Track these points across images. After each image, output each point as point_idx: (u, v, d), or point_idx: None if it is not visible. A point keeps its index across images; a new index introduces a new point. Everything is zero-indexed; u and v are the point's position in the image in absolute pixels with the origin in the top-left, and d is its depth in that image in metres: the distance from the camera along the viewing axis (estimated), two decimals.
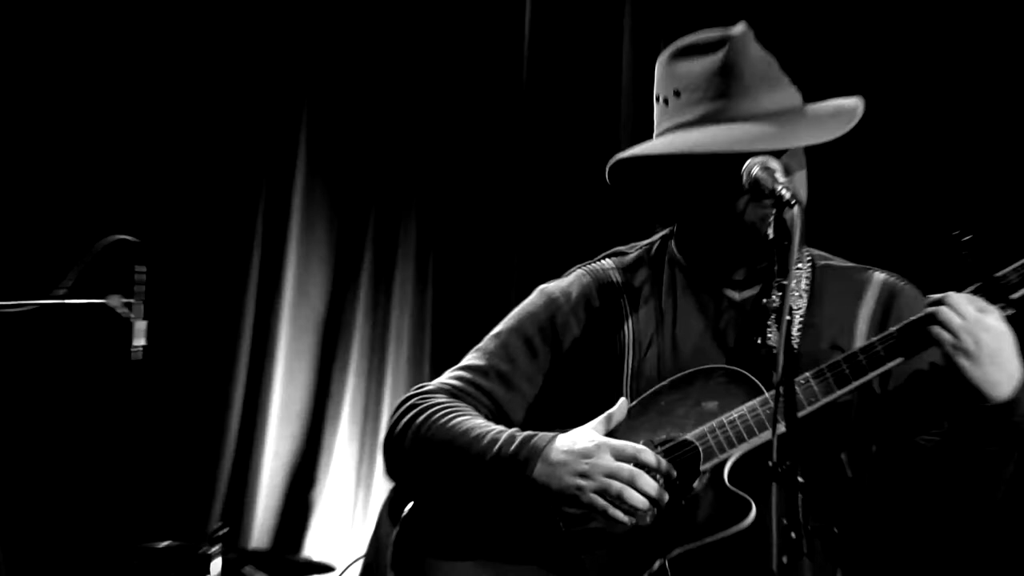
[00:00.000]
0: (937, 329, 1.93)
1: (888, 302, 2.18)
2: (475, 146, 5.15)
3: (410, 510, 2.20)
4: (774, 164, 1.99)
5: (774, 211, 1.96)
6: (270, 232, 5.27)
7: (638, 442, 2.07)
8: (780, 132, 2.08)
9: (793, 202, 1.89)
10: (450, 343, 5.00)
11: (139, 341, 3.78)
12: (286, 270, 5.24)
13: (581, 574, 2.06)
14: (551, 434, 2.08)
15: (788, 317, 1.80)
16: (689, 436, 2.06)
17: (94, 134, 5.26)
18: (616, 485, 2.00)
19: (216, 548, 3.91)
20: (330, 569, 4.23)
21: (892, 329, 2.01)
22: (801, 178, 2.12)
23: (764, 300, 2.13)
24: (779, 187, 1.93)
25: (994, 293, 1.96)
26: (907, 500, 2.13)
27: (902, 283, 2.22)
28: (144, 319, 3.80)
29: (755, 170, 1.98)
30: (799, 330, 2.13)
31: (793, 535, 1.70)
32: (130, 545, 4.12)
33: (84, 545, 4.88)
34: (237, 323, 5.20)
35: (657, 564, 2.01)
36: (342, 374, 5.25)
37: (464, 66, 5.17)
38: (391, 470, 2.26)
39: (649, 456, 2.02)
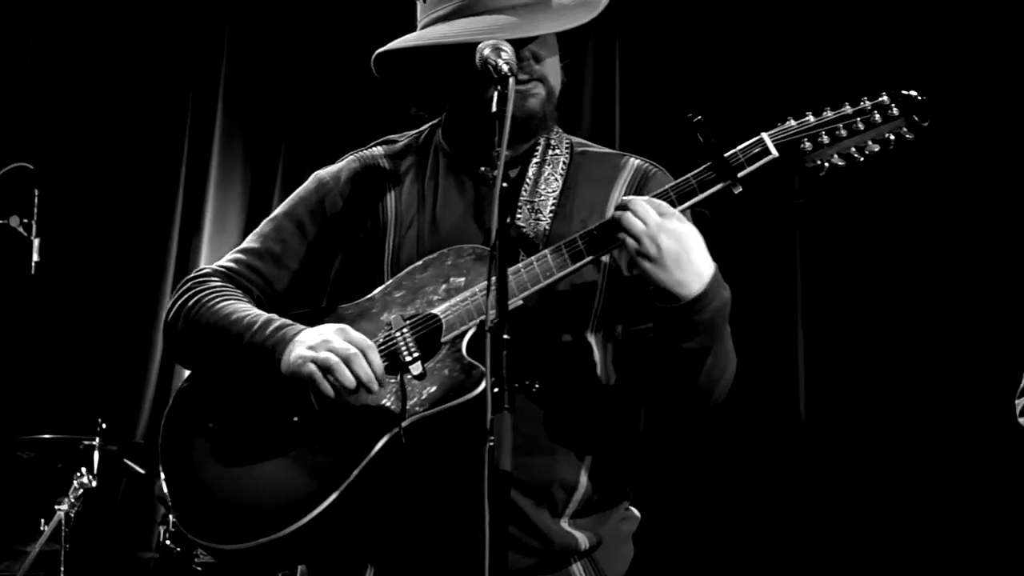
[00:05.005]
0: (622, 235, 1.95)
1: (640, 186, 2.18)
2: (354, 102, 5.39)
3: (179, 391, 2.22)
4: (504, 46, 2.01)
5: (498, 87, 1.94)
6: (192, 174, 5.57)
7: (391, 317, 2.10)
8: (521, 23, 2.11)
9: (509, 75, 1.92)
10: None
11: (35, 257, 4.11)
12: (206, 209, 5.55)
13: (331, 445, 2.05)
14: (303, 326, 2.08)
15: (504, 184, 1.80)
16: (436, 311, 2.07)
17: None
18: (333, 359, 1.98)
19: (96, 441, 4.06)
20: None
21: (591, 227, 2.03)
22: (552, 65, 2.15)
23: (482, 169, 2.15)
24: (500, 63, 1.95)
25: (722, 172, 1.97)
26: (636, 384, 2.15)
27: (655, 168, 2.23)
28: (38, 237, 4.10)
29: (485, 51, 2.00)
30: (552, 212, 2.14)
31: (496, 390, 1.72)
32: (22, 438, 4.23)
33: None
34: (163, 256, 5.51)
35: (393, 432, 2.01)
36: None
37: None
38: (168, 348, 2.31)
39: (374, 354, 2.01)
